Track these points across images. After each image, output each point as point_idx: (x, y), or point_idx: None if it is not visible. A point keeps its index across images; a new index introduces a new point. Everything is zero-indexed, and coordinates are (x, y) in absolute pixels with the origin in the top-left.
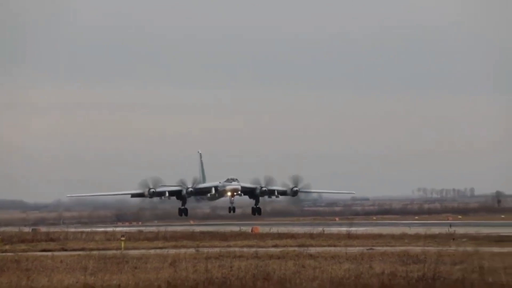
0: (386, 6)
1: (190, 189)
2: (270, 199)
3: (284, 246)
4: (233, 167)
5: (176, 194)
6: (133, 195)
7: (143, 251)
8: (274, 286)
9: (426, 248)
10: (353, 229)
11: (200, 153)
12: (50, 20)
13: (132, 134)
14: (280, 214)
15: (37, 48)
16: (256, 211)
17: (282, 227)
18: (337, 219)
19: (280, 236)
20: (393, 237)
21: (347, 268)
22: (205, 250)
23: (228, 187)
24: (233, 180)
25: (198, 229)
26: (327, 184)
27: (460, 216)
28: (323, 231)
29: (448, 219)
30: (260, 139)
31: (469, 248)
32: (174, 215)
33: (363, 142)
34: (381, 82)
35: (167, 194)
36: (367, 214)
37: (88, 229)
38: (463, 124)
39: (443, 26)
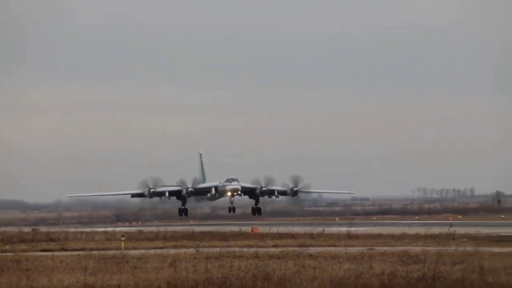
0: (386, 6)
1: (190, 189)
2: (270, 199)
3: (284, 246)
4: (233, 167)
5: (176, 194)
6: (133, 195)
7: (143, 251)
8: (274, 286)
9: (426, 248)
10: (353, 229)
11: (200, 153)
12: (50, 20)
13: (132, 134)
14: (280, 214)
15: (37, 48)
16: (256, 211)
17: (282, 227)
18: (337, 219)
19: (280, 236)
20: (393, 237)
21: (347, 268)
22: (205, 250)
23: (228, 187)
24: (233, 180)
25: (198, 229)
26: (327, 184)
27: (460, 216)
28: (323, 231)
29: (448, 219)
30: (260, 139)
31: (469, 248)
32: (174, 215)
33: (363, 142)
34: (381, 82)
35: (167, 194)
36: (367, 214)
37: (88, 229)
38: (463, 124)
39: (443, 26)
